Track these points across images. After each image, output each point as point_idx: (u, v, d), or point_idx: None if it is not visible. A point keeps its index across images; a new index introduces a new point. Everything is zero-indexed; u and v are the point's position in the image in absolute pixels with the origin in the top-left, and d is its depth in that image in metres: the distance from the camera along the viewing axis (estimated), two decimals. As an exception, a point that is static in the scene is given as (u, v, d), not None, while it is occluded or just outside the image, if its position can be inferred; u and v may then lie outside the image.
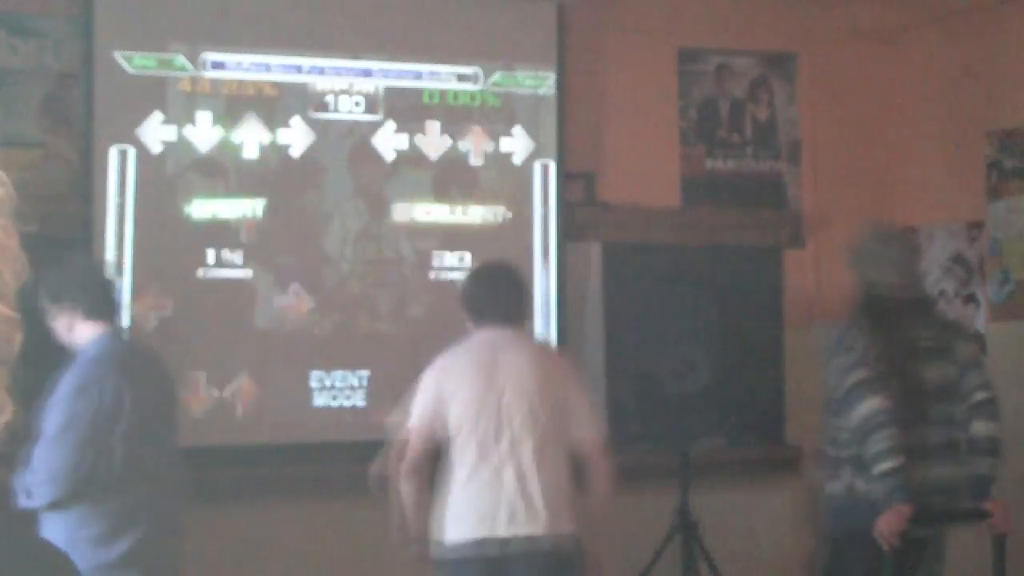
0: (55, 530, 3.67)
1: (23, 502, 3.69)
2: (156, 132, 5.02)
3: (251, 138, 5.14)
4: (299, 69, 5.20)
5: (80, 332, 3.86)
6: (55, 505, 3.71)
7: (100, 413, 3.71)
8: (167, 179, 5.04)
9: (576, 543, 4.00)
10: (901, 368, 4.17)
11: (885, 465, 4.03)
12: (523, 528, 3.91)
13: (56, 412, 3.68)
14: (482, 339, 4.08)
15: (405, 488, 3.99)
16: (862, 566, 4.19)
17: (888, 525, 4.01)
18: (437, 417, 3.99)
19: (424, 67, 5.36)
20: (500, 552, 3.90)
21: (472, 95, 5.42)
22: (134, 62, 5.00)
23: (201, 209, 5.07)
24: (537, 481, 3.93)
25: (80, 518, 3.72)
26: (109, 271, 4.65)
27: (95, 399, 3.72)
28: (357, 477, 5.15)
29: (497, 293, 4.11)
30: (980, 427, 4.25)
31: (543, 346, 4.59)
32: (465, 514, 3.94)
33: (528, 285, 4.30)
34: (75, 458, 3.67)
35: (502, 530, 3.90)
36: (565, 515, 3.96)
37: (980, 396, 4.29)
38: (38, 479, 3.68)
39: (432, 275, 5.35)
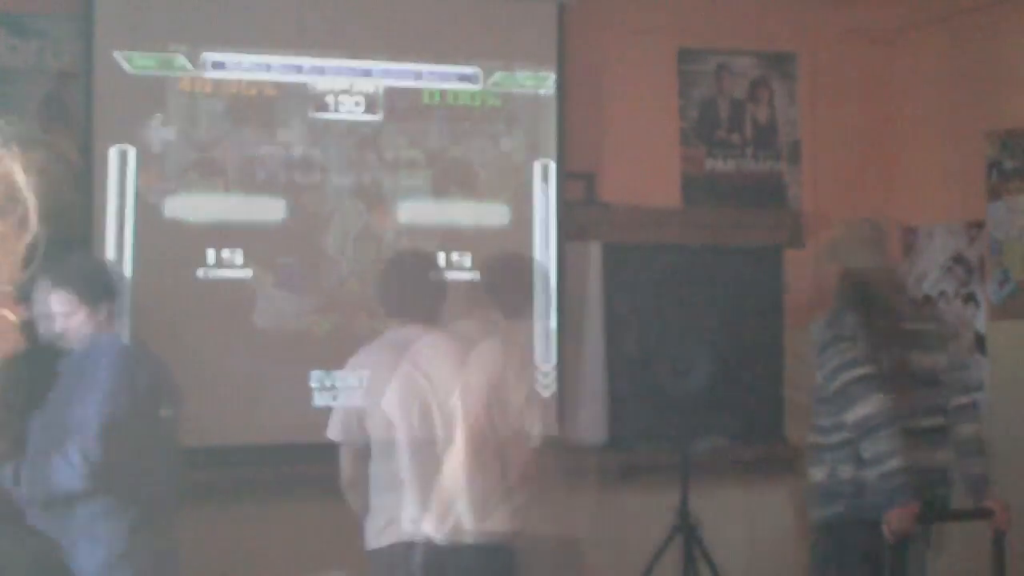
0: (75, 523, 3.72)
1: (71, 470, 3.69)
2: (156, 132, 5.02)
3: (251, 138, 5.14)
4: (299, 69, 5.20)
5: (98, 326, 3.90)
6: (94, 474, 3.72)
7: (132, 403, 3.78)
8: (167, 179, 5.04)
9: (511, 542, 3.96)
10: (892, 353, 4.22)
11: (890, 464, 4.05)
12: (453, 529, 3.87)
13: (98, 394, 3.75)
14: (397, 336, 4.04)
15: (350, 499, 4.04)
16: (847, 553, 4.23)
17: (900, 523, 4.04)
18: (359, 421, 4.00)
19: (424, 67, 5.36)
20: (429, 554, 3.87)
21: (472, 95, 5.42)
22: (134, 62, 4.99)
23: (201, 209, 5.07)
24: (468, 480, 3.89)
25: (104, 509, 3.77)
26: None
27: (129, 388, 3.79)
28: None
29: (413, 285, 4.06)
30: (967, 429, 4.32)
31: (478, 338, 4.22)
32: (396, 515, 3.92)
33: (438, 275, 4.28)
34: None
35: (432, 530, 3.88)
36: (498, 514, 3.93)
37: (965, 399, 4.36)
38: (90, 437, 3.69)
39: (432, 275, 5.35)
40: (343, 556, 5.13)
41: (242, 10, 5.15)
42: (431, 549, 3.88)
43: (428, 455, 3.91)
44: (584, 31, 5.61)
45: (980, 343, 5.64)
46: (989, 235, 5.60)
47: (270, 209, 5.15)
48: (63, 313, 3.88)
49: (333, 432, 4.10)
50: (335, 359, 5.20)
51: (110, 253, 4.90)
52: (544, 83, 5.49)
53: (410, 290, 4.07)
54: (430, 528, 3.88)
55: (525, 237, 5.45)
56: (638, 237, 5.63)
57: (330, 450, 5.15)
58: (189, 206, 5.05)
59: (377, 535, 3.96)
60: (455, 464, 3.90)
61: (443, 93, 5.39)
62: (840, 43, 6.05)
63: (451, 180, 5.39)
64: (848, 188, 6.00)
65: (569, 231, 5.52)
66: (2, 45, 4.91)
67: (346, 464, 4.07)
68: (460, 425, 3.91)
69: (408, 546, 3.89)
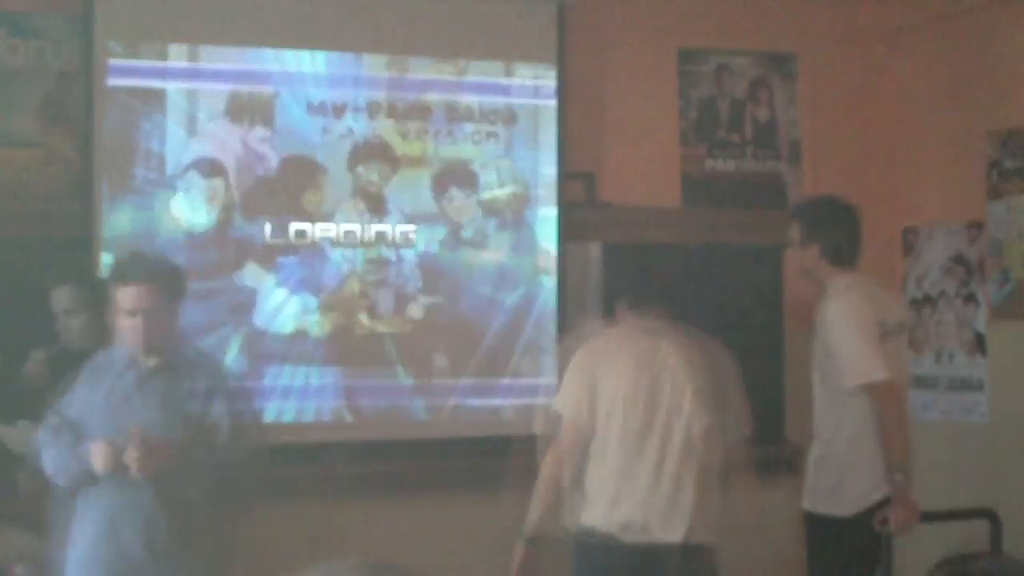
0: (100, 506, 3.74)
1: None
2: (156, 132, 5.02)
3: (251, 138, 5.13)
4: (299, 68, 5.20)
5: (174, 327, 3.90)
6: None
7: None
8: (167, 179, 5.03)
9: (706, 554, 3.91)
10: None
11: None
12: (654, 533, 3.82)
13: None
14: (629, 330, 3.96)
15: (544, 474, 3.82)
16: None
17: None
18: (589, 408, 3.83)
19: (424, 66, 5.36)
20: (625, 555, 3.80)
21: (472, 94, 5.42)
22: (133, 61, 4.99)
23: (201, 210, 5.07)
24: (670, 486, 3.83)
25: (83, 506, 3.79)
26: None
27: None
28: (357, 478, 5.16)
29: (649, 276, 3.98)
30: None
31: (693, 339, 4.06)
32: (598, 507, 3.84)
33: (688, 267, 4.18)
34: None
35: (633, 536, 3.81)
36: (698, 524, 3.87)
37: None
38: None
39: (432, 275, 5.35)
40: (340, 556, 5.12)
41: (242, 9, 5.15)
42: (630, 551, 3.80)
43: (645, 452, 3.82)
44: (584, 31, 5.61)
45: (980, 343, 5.64)
46: (989, 235, 5.60)
47: (271, 209, 5.15)
48: (150, 310, 3.64)
49: (561, 404, 3.89)
50: (335, 359, 5.21)
51: (110, 253, 4.89)
52: (544, 83, 5.49)
53: (653, 281, 3.98)
54: (636, 533, 3.82)
55: (525, 237, 5.46)
56: (638, 237, 5.63)
57: (328, 451, 5.16)
58: (189, 207, 5.05)
59: (583, 516, 3.88)
60: (670, 464, 3.83)
61: (443, 92, 5.39)
62: (840, 43, 6.05)
63: (451, 180, 5.39)
64: (848, 188, 5.97)
65: (569, 231, 5.52)
66: (2, 45, 4.91)
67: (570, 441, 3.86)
68: (676, 426, 3.84)
69: (608, 541, 3.81)
